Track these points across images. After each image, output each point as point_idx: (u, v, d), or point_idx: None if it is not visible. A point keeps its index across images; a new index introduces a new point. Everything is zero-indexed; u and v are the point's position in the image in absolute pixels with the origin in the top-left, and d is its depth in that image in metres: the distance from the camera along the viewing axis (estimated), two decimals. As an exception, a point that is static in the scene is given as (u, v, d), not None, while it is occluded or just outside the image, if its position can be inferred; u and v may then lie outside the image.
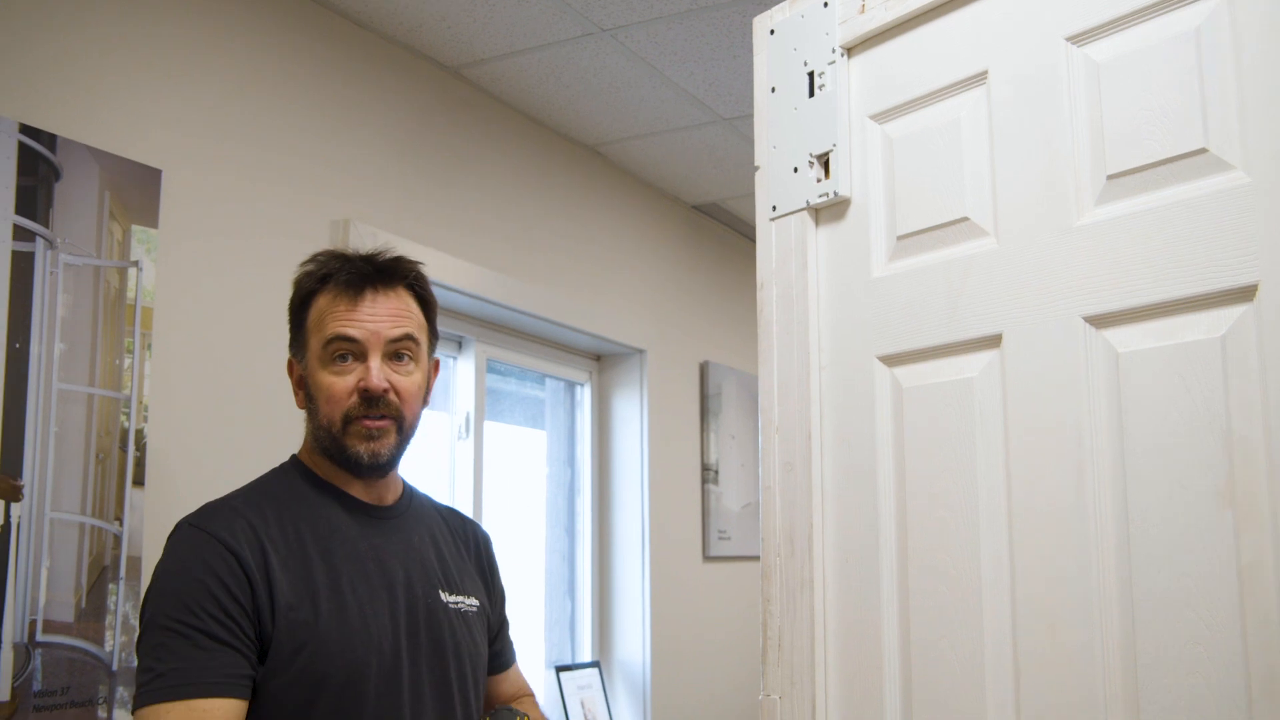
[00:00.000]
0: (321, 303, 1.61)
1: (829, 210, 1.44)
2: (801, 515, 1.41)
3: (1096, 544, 1.13)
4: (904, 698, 1.29)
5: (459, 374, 3.38)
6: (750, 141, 3.61)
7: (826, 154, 1.43)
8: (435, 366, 1.74)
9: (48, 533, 1.97)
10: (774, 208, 1.49)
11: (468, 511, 3.24)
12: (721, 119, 3.46)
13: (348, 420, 1.59)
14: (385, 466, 1.63)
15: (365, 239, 2.69)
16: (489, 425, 3.44)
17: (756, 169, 1.53)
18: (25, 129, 1.99)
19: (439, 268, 2.97)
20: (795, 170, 1.47)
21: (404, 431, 1.63)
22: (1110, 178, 1.16)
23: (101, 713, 2.01)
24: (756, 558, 4.48)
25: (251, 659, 1.47)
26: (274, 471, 1.68)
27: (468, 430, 3.32)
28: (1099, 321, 1.16)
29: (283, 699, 1.48)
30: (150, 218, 2.19)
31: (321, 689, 1.49)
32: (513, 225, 3.35)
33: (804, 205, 1.45)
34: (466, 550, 1.79)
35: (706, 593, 4.21)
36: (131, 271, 2.15)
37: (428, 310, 1.70)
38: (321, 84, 2.70)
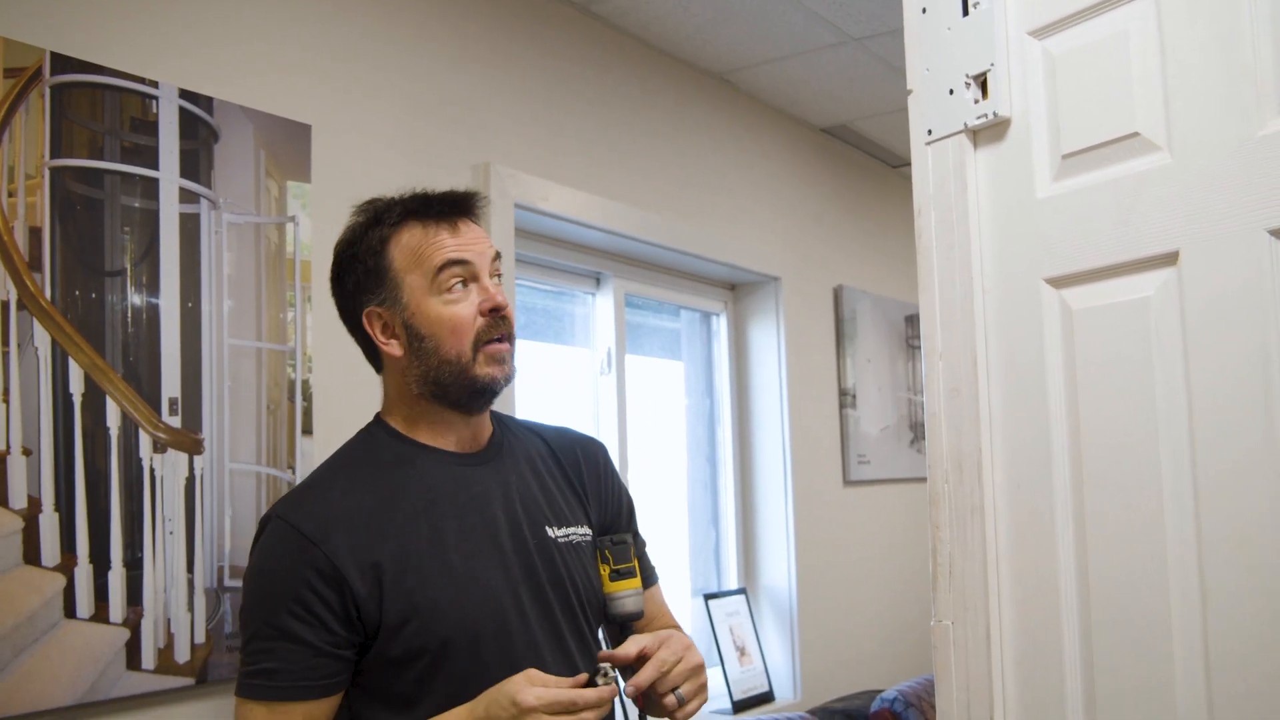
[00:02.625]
0: (409, 240, 1.58)
1: (988, 131, 1.41)
2: (970, 441, 1.39)
3: (1289, 462, 1.11)
4: (1082, 622, 1.28)
5: (598, 309, 3.41)
6: (881, 60, 3.55)
7: (984, 74, 1.40)
8: None
9: (228, 483, 2.06)
10: (929, 131, 1.46)
11: (612, 446, 3.29)
12: (852, 39, 3.39)
13: (477, 346, 1.57)
14: (504, 386, 1.61)
15: (505, 181, 2.73)
16: (628, 359, 3.48)
17: (909, 93, 1.50)
18: (184, 94, 2.05)
19: (577, 205, 2.99)
20: (951, 92, 1.43)
21: (514, 349, 1.63)
22: (1296, 84, 1.12)
23: (286, 651, 2.10)
24: (897, 480, 4.48)
25: (337, 656, 1.48)
26: (360, 436, 1.65)
27: (609, 365, 3.36)
28: (1286, 234, 1.12)
29: (405, 667, 1.49)
30: (303, 173, 2.25)
31: (442, 651, 1.49)
32: (645, 159, 3.36)
33: (961, 128, 1.42)
34: (572, 471, 1.75)
35: (848, 517, 4.22)
36: (289, 227, 2.21)
37: None
38: (455, 30, 2.72)
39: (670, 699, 1.52)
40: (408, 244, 1.58)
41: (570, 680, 1.48)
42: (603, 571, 1.67)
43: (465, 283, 1.57)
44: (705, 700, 1.58)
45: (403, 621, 1.48)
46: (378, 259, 1.58)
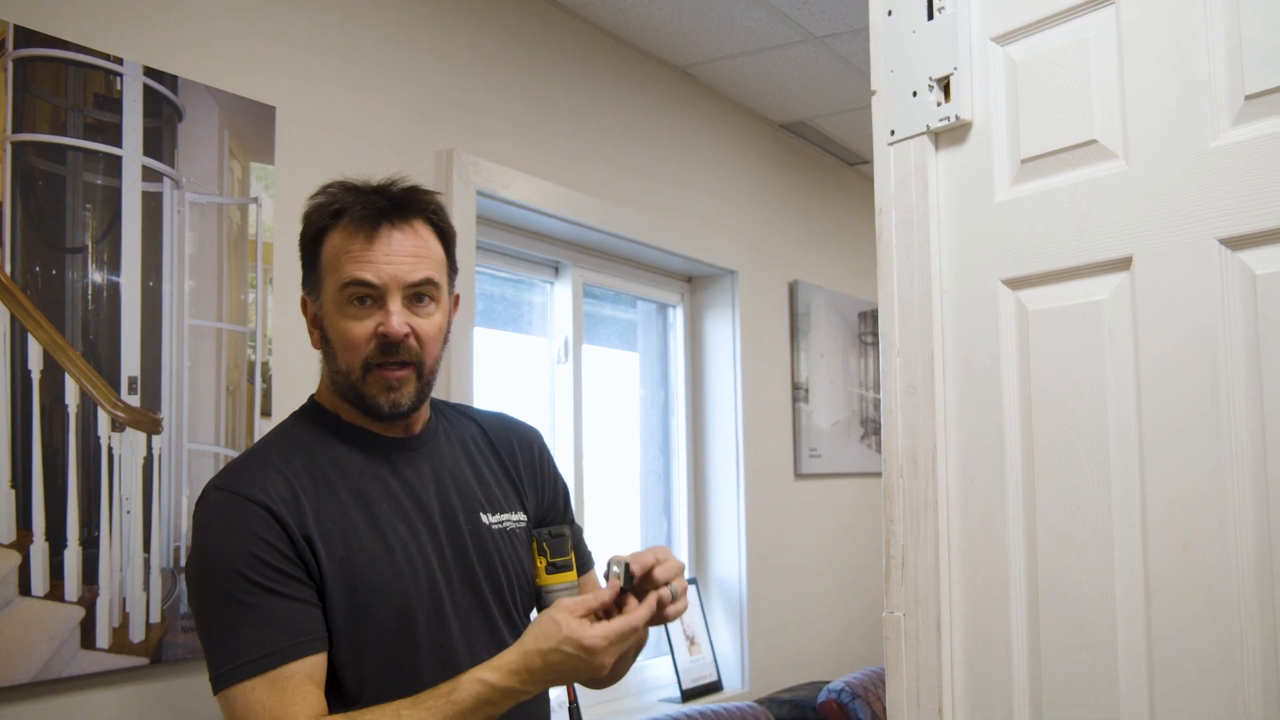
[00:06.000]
0: (335, 240, 1.54)
1: (949, 134, 1.44)
2: (924, 436, 1.42)
3: (1232, 465, 1.14)
4: (1030, 615, 1.31)
5: (556, 298, 3.42)
6: (842, 59, 3.58)
7: (947, 77, 1.43)
8: (455, 301, 1.66)
9: (186, 463, 2.06)
10: (892, 132, 1.49)
11: (568, 436, 3.31)
12: (813, 37, 3.42)
13: (367, 368, 1.53)
14: (406, 414, 1.58)
15: (468, 168, 2.73)
16: (584, 349, 3.49)
17: (873, 93, 1.52)
18: (149, 71, 2.04)
19: (538, 193, 3.00)
20: (914, 94, 1.46)
21: (424, 377, 1.57)
22: (1249, 98, 1.15)
23: (241, 632, 2.10)
24: (847, 475, 4.53)
25: (313, 604, 1.46)
26: (295, 417, 1.64)
27: (566, 354, 3.37)
28: (1235, 243, 1.15)
29: (337, 643, 1.48)
30: (267, 154, 2.24)
31: (374, 629, 1.49)
32: (607, 149, 3.37)
33: (924, 129, 1.45)
34: (508, 459, 1.73)
35: (799, 510, 4.26)
36: (251, 208, 2.20)
37: (447, 243, 1.62)
38: (421, 17, 2.72)
39: (665, 591, 1.51)
40: (332, 244, 1.56)
41: (608, 594, 1.48)
42: (539, 564, 1.67)
43: (372, 301, 1.53)
44: (686, 607, 1.57)
45: (342, 595, 1.48)
46: (312, 249, 1.59)
